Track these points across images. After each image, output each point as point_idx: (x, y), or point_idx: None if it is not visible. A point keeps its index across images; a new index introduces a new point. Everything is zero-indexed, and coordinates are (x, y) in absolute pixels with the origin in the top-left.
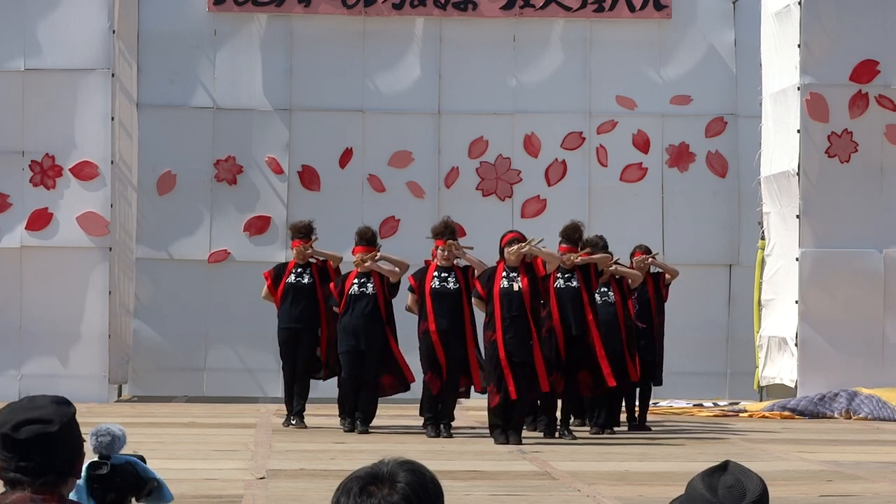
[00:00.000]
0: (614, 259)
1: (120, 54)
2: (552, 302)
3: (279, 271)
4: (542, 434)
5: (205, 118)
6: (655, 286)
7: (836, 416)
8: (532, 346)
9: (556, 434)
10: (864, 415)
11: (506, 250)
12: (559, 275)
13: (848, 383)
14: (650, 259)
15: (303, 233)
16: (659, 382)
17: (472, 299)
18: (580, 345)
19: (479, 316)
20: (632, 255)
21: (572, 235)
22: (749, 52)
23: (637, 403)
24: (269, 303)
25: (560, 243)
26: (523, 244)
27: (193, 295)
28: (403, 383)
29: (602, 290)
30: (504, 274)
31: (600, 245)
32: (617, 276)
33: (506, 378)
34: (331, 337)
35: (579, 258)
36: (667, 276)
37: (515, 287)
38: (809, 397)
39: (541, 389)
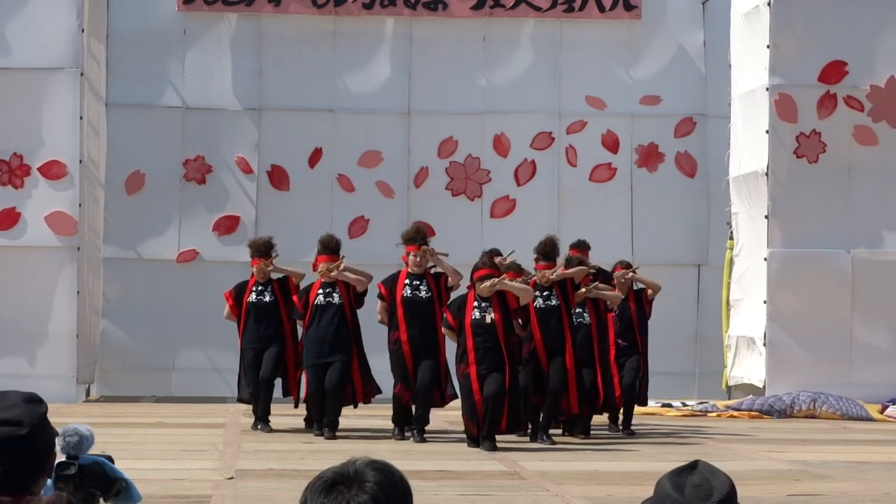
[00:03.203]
0: (592, 282)
1: (89, 53)
2: (533, 323)
3: (240, 291)
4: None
5: (174, 117)
6: (638, 302)
7: (796, 411)
8: (503, 379)
9: (538, 439)
10: (829, 409)
11: (478, 285)
12: (538, 293)
13: (816, 383)
14: (630, 274)
15: (262, 250)
16: (643, 402)
17: (443, 328)
18: (561, 363)
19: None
20: (612, 270)
21: (550, 252)
22: (718, 53)
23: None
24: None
25: (537, 261)
26: (495, 281)
27: (162, 295)
28: (353, 399)
29: (577, 310)
30: (476, 304)
31: (585, 247)
32: (592, 297)
33: (477, 412)
34: (298, 361)
35: (555, 275)
36: (649, 291)
37: (488, 319)
38: (779, 396)
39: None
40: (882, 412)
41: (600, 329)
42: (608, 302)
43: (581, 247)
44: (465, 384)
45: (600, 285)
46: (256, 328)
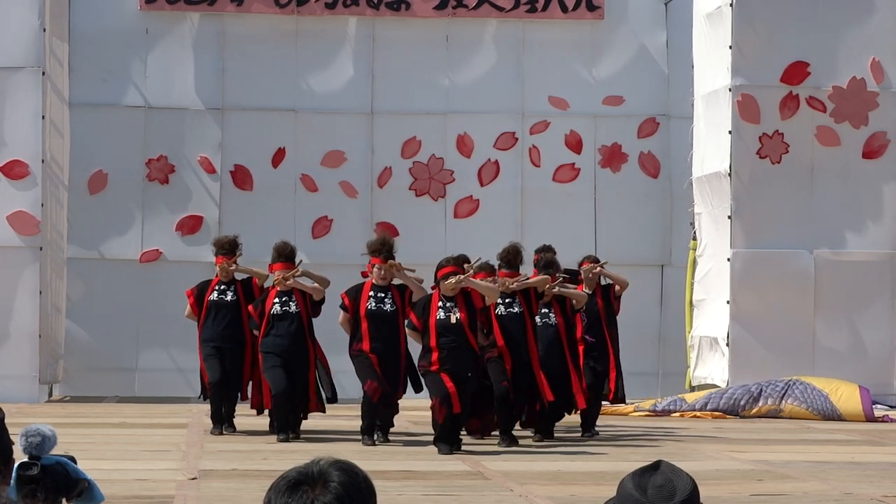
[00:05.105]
0: (558, 280)
1: (51, 52)
2: (496, 330)
3: (202, 289)
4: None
5: (137, 117)
6: (605, 298)
7: (761, 406)
8: (472, 379)
9: (498, 443)
10: (794, 402)
11: (442, 283)
12: (500, 301)
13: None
14: (598, 269)
15: (226, 248)
16: (618, 399)
17: (406, 329)
18: (528, 371)
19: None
20: (579, 265)
21: (513, 261)
22: (681, 53)
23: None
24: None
25: (500, 268)
26: (461, 278)
27: (125, 295)
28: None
29: (542, 311)
30: (440, 304)
31: (551, 254)
32: (557, 294)
33: (450, 394)
34: (254, 361)
35: (516, 283)
36: (617, 287)
37: (453, 319)
38: (747, 386)
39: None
40: (860, 397)
41: (568, 330)
42: (574, 302)
43: (546, 252)
44: (432, 376)
45: (566, 284)
46: (215, 326)
